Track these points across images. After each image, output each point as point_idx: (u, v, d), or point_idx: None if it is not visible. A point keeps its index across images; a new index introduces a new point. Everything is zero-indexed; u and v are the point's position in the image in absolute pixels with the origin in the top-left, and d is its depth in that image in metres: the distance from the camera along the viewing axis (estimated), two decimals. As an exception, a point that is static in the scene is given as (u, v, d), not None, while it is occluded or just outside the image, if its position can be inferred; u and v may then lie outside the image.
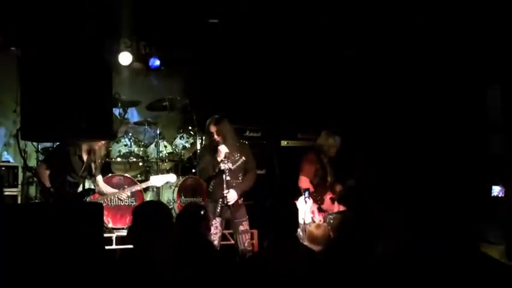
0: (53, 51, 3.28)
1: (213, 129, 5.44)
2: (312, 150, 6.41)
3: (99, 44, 3.48)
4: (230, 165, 5.37)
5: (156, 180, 6.28)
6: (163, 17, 7.12)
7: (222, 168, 5.31)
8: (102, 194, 5.86)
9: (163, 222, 3.43)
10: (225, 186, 5.29)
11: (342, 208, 6.12)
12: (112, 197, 6.05)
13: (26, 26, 3.41)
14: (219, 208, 5.27)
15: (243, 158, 5.52)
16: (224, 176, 5.30)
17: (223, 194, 5.28)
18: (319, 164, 6.25)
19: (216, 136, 5.42)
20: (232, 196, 5.31)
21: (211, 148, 5.50)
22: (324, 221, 5.74)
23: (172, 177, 6.40)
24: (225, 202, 5.28)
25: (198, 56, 8.19)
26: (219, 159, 5.33)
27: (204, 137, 7.22)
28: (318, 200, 6.07)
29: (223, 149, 5.34)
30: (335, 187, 6.24)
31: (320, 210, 6.09)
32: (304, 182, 6.15)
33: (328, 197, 6.12)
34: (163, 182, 6.35)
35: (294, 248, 3.40)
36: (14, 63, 6.84)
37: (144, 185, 6.33)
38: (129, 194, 6.14)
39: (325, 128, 6.43)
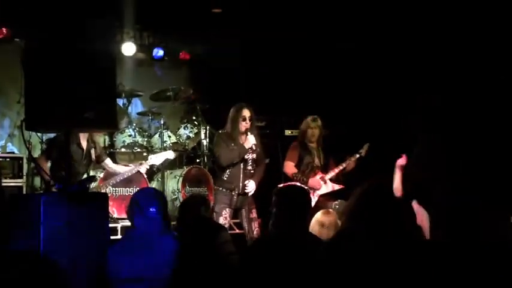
0: (57, 42, 3.29)
1: (248, 113, 5.41)
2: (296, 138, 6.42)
3: (102, 34, 3.48)
4: (254, 155, 5.48)
5: (155, 158, 6.24)
6: (167, 7, 7.09)
7: (246, 157, 5.40)
8: (116, 174, 5.91)
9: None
10: (241, 176, 5.39)
11: (337, 187, 6.11)
12: (129, 173, 6.06)
13: (30, 17, 3.41)
14: (235, 198, 5.34)
15: (258, 149, 5.58)
16: (243, 165, 5.41)
17: (240, 184, 5.39)
18: (302, 148, 6.16)
19: (248, 121, 5.41)
20: (252, 186, 5.42)
21: (231, 136, 5.45)
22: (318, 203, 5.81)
23: (170, 154, 6.39)
24: (243, 192, 5.39)
25: (203, 45, 8.17)
26: (246, 146, 5.36)
27: (208, 127, 7.25)
28: (302, 182, 5.99)
29: (251, 139, 5.38)
30: (331, 167, 6.17)
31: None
32: (288, 167, 6.10)
33: (318, 177, 6.07)
34: (163, 159, 6.28)
35: (305, 232, 3.40)
36: (18, 55, 6.84)
37: (147, 164, 6.21)
38: (147, 167, 6.17)
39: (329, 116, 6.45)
